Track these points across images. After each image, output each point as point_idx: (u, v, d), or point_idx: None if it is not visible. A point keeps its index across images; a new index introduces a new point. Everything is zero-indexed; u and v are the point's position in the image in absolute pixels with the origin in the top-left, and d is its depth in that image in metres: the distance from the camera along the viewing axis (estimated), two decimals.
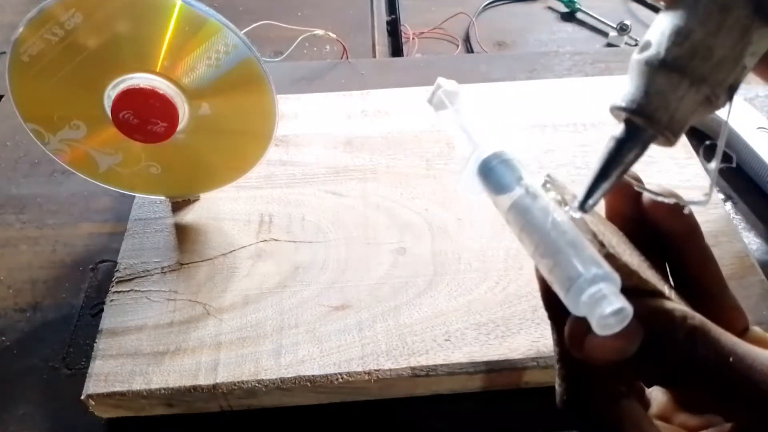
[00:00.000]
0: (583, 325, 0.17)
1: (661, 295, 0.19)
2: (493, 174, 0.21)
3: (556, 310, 0.20)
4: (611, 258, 0.18)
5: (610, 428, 0.20)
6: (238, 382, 0.34)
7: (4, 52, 0.33)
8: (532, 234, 0.19)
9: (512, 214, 0.20)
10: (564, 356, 0.21)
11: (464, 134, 0.23)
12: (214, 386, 0.34)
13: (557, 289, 0.18)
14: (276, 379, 0.34)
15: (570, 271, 0.17)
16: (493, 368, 0.35)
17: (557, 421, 0.36)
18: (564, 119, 0.50)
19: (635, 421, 0.20)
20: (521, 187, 0.20)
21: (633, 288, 0.18)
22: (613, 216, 0.24)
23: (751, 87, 0.58)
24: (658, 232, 0.23)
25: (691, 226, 0.22)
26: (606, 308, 0.16)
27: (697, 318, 0.18)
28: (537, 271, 0.21)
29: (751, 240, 0.45)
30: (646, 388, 0.23)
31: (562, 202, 0.20)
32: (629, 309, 0.17)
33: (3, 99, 0.56)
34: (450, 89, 0.24)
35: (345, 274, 0.39)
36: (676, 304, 0.19)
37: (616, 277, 0.17)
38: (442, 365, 0.34)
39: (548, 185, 0.21)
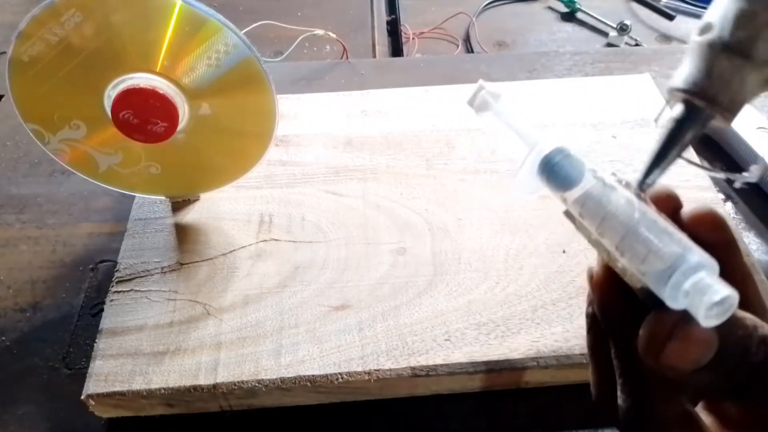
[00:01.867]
0: (664, 329, 0.16)
1: None
2: (559, 169, 0.20)
3: (619, 321, 0.19)
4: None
5: None
6: (238, 382, 0.34)
7: (4, 52, 0.33)
8: (617, 225, 0.18)
9: (588, 207, 0.19)
10: (629, 370, 0.20)
11: (515, 134, 0.22)
12: (214, 386, 0.34)
13: (651, 280, 0.16)
14: (276, 379, 0.34)
15: (669, 257, 0.16)
16: (493, 368, 0.35)
17: (557, 421, 0.36)
18: (564, 119, 0.50)
19: None
20: (596, 179, 0.19)
21: None
22: None
23: None
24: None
25: (729, 240, 0.22)
26: (714, 296, 0.15)
27: (766, 327, 0.18)
28: (591, 278, 0.20)
29: (751, 240, 0.45)
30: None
31: (640, 198, 0.19)
32: (735, 296, 0.16)
33: (3, 99, 0.56)
34: (492, 90, 0.23)
35: (345, 274, 0.39)
36: (744, 312, 0.18)
37: (716, 264, 0.16)
38: (442, 365, 0.34)
39: (624, 183, 0.20)
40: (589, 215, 0.19)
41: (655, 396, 0.19)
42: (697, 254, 0.16)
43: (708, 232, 0.22)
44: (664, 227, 0.17)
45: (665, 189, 0.22)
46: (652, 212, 0.18)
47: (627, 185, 0.20)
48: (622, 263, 0.18)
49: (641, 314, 0.18)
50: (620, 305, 0.19)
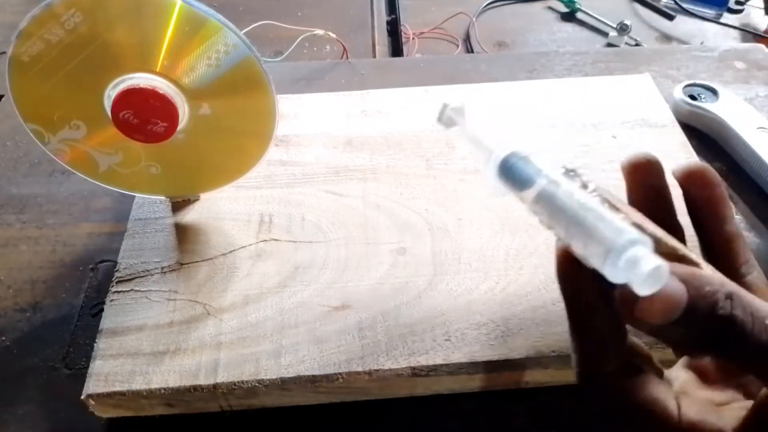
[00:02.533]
0: (631, 292, 0.18)
1: (693, 262, 0.20)
2: (513, 173, 0.22)
3: (574, 288, 0.21)
4: (637, 228, 0.19)
5: (622, 398, 0.21)
6: (238, 382, 0.34)
7: (4, 52, 0.33)
8: (561, 217, 0.19)
9: (539, 205, 0.20)
10: (576, 329, 0.21)
11: (477, 144, 0.23)
12: (214, 386, 0.34)
13: (594, 262, 0.18)
14: (276, 379, 0.34)
15: (604, 241, 0.18)
16: (493, 368, 0.35)
17: (557, 421, 0.36)
18: (564, 119, 0.50)
19: (646, 390, 0.21)
20: (543, 178, 0.21)
21: (665, 255, 0.18)
22: (637, 197, 0.24)
23: (751, 87, 0.58)
24: (689, 206, 0.24)
25: (719, 197, 0.23)
26: (644, 268, 0.17)
27: (733, 284, 0.19)
28: (557, 251, 0.22)
29: (751, 240, 0.45)
30: (664, 370, 0.23)
31: (584, 186, 0.20)
32: (665, 265, 0.17)
33: (3, 99, 0.56)
34: (456, 106, 0.25)
35: (345, 274, 0.39)
36: (713, 271, 0.20)
37: (648, 240, 0.18)
38: (442, 365, 0.34)
39: (571, 174, 0.21)
40: (540, 213, 0.21)
41: (596, 354, 0.21)
42: (628, 233, 0.18)
43: (699, 188, 0.23)
44: (601, 214, 0.19)
45: (644, 156, 0.24)
46: (592, 201, 0.19)
47: (573, 175, 0.21)
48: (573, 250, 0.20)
49: (586, 276, 0.20)
50: (575, 276, 0.21)
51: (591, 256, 0.18)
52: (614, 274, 0.17)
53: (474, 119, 0.24)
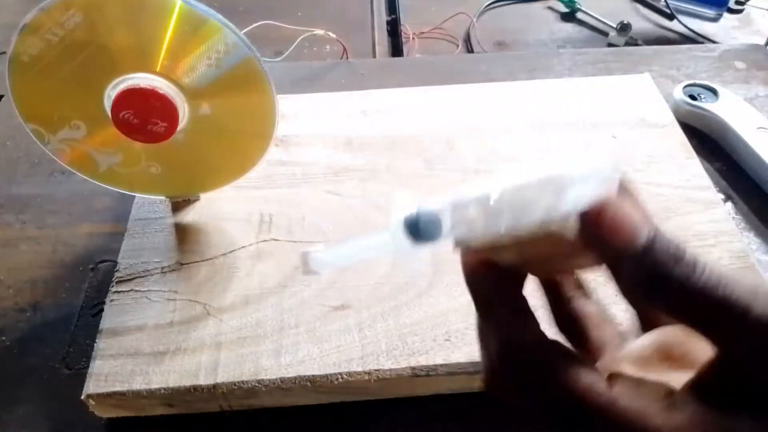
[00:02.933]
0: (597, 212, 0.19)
1: None
2: (425, 233, 0.23)
3: (481, 279, 0.23)
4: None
5: (537, 358, 0.22)
6: (238, 382, 0.34)
7: (4, 52, 0.33)
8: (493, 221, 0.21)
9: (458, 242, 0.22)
10: (484, 312, 0.24)
11: (364, 249, 0.25)
12: (214, 386, 0.34)
13: (557, 203, 0.19)
14: (276, 379, 0.34)
15: (554, 182, 0.19)
16: None
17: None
18: (564, 119, 0.50)
19: (557, 346, 0.22)
20: (446, 225, 0.22)
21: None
22: None
23: (751, 87, 0.58)
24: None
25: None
26: (583, 172, 0.18)
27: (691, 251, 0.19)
28: (462, 255, 0.23)
29: (751, 240, 0.45)
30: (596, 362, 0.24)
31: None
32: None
33: (3, 99, 0.56)
34: (317, 252, 0.24)
35: (345, 274, 0.39)
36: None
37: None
38: (442, 365, 0.34)
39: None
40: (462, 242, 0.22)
41: (509, 325, 0.23)
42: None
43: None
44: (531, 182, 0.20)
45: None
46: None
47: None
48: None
49: (490, 268, 0.22)
50: (476, 265, 0.23)
51: (553, 208, 0.19)
52: (576, 198, 0.18)
53: (337, 255, 0.24)
